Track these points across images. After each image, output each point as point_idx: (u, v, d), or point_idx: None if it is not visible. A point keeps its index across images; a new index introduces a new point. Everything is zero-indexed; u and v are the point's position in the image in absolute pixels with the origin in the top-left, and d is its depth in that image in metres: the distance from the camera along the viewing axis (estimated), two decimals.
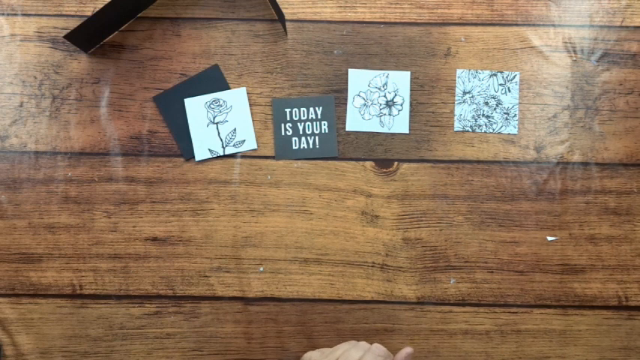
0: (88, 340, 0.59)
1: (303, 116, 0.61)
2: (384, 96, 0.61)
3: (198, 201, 0.61)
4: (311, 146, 0.61)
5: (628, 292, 0.59)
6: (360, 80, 0.61)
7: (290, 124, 0.61)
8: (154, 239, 0.60)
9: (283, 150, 0.61)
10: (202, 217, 0.61)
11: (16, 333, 0.59)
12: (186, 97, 0.61)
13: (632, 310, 0.59)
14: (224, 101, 0.61)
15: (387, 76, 0.61)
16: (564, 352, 0.59)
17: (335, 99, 0.61)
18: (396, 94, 0.61)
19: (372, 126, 0.61)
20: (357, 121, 0.61)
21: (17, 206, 0.61)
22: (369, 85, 0.61)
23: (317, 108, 0.61)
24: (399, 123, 0.61)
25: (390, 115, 0.61)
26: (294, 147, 0.61)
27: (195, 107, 0.61)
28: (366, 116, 0.61)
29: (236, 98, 0.61)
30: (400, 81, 0.61)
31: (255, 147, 0.61)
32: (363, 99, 0.61)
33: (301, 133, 0.61)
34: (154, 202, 0.61)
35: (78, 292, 0.60)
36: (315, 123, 0.61)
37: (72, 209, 0.61)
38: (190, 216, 0.61)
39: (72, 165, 0.61)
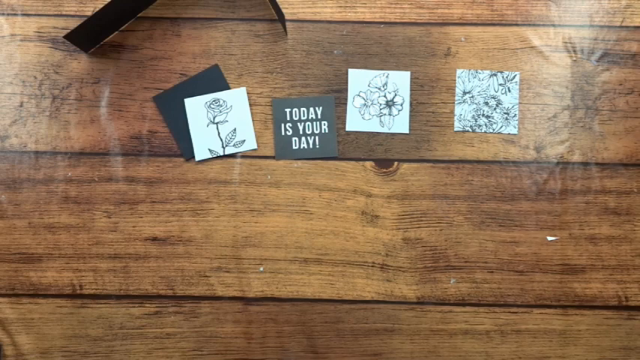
0: (88, 340, 0.59)
1: (303, 116, 0.61)
2: (384, 96, 0.61)
3: (198, 201, 0.61)
4: (311, 146, 0.61)
5: (628, 292, 0.59)
6: (360, 80, 0.61)
7: (290, 124, 0.61)
8: (154, 239, 0.60)
9: (283, 150, 0.61)
10: (202, 217, 0.61)
11: (16, 333, 0.59)
12: (186, 97, 0.61)
13: (632, 310, 0.59)
14: (224, 101, 0.61)
15: (387, 76, 0.61)
16: (564, 352, 0.59)
17: (335, 99, 0.61)
18: (396, 94, 0.61)
19: (372, 126, 0.61)
20: (357, 121, 0.61)
21: (17, 206, 0.61)
22: (369, 85, 0.61)
23: (317, 108, 0.61)
24: (399, 123, 0.61)
25: (390, 115, 0.61)
26: (294, 147, 0.61)
27: (195, 107, 0.61)
28: (366, 116, 0.61)
29: (236, 98, 0.61)
30: (400, 81, 0.61)
31: (255, 147, 0.61)
32: (363, 99, 0.61)
33: (301, 133, 0.61)
34: (154, 202, 0.61)
35: (78, 292, 0.60)
36: (315, 123, 0.61)
37: (72, 209, 0.61)
38: (190, 216, 0.61)
39: (72, 165, 0.61)
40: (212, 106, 0.61)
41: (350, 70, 0.61)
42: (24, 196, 0.61)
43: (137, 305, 0.60)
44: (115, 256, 0.60)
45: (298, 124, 0.61)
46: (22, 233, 0.60)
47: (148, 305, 0.60)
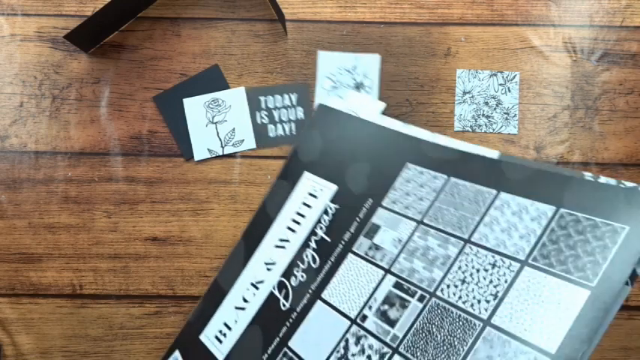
0: (88, 340, 0.59)
1: (278, 103, 0.61)
2: (354, 78, 0.61)
3: (198, 201, 0.61)
4: (287, 133, 0.61)
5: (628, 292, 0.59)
6: (329, 62, 0.61)
7: (265, 112, 0.61)
8: (154, 239, 0.60)
9: (260, 138, 0.61)
10: (202, 217, 0.61)
11: (16, 333, 0.59)
12: (186, 97, 0.61)
13: (632, 310, 0.59)
14: (223, 101, 0.61)
15: (356, 59, 0.61)
16: None
17: (310, 86, 0.61)
18: (365, 77, 0.61)
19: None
20: None
21: (17, 206, 0.61)
22: (338, 68, 0.61)
23: (291, 95, 0.61)
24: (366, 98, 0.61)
25: None
26: (270, 134, 0.61)
27: (194, 107, 0.61)
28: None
29: (235, 98, 0.61)
30: (369, 64, 0.61)
31: (254, 146, 0.61)
32: (332, 81, 0.61)
33: (277, 120, 0.61)
34: (153, 202, 0.61)
35: (78, 292, 0.60)
36: (290, 110, 0.61)
37: (72, 209, 0.61)
38: (190, 216, 0.61)
39: (72, 165, 0.61)
40: (211, 105, 0.61)
41: (319, 52, 0.61)
42: (24, 196, 0.61)
43: (137, 305, 0.60)
44: (115, 256, 0.60)
45: (274, 111, 0.61)
46: (22, 233, 0.60)
47: (148, 305, 0.60)
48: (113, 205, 0.61)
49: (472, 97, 0.61)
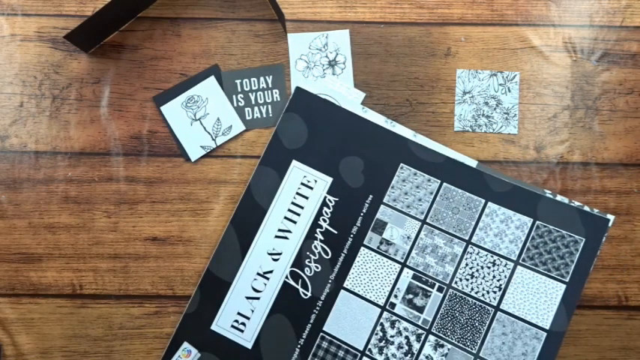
0: (88, 340, 0.59)
1: (254, 86, 0.61)
2: (326, 56, 0.61)
3: (198, 201, 0.61)
4: (264, 115, 0.61)
5: (628, 292, 0.59)
6: (300, 43, 0.61)
7: (242, 95, 0.61)
8: (154, 239, 0.60)
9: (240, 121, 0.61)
10: (202, 217, 0.61)
11: (16, 333, 0.59)
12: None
13: (633, 310, 0.59)
14: (198, 96, 0.61)
15: (326, 37, 0.61)
16: (564, 352, 0.59)
17: (285, 67, 0.61)
18: (337, 54, 0.61)
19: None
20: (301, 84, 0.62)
21: (17, 206, 0.61)
22: (309, 48, 0.61)
23: (267, 77, 0.61)
24: (344, 81, 0.61)
25: (334, 74, 0.61)
26: (247, 117, 0.61)
27: (173, 111, 0.61)
28: (310, 78, 0.61)
29: (208, 89, 0.61)
30: (340, 40, 0.61)
31: (244, 128, 0.61)
32: (306, 62, 0.61)
33: (253, 103, 0.61)
34: (153, 202, 0.61)
35: (78, 292, 0.60)
36: (266, 92, 0.61)
37: (72, 209, 0.61)
38: (190, 216, 0.61)
39: (72, 165, 0.61)
40: (188, 104, 0.61)
41: (289, 35, 0.61)
42: (24, 196, 0.61)
43: (137, 305, 0.60)
44: (115, 256, 0.60)
45: (250, 94, 0.61)
46: (22, 233, 0.60)
47: (147, 305, 0.60)
48: (113, 205, 0.61)
49: (472, 97, 0.61)
